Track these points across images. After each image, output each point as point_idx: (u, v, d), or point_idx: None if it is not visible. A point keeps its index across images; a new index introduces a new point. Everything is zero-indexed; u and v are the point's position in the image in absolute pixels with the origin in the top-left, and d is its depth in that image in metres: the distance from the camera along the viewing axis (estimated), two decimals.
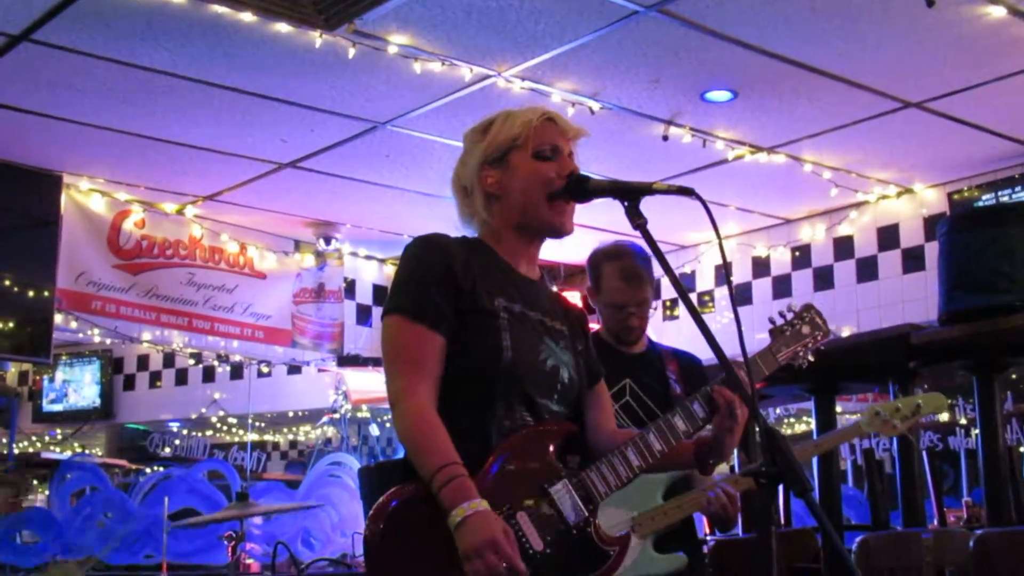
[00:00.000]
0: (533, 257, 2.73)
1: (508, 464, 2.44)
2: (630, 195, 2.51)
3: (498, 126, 2.70)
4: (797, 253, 7.41)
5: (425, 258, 2.55)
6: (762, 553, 3.72)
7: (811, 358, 2.85)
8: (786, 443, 2.55)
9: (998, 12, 4.68)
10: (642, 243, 2.58)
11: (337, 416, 9.39)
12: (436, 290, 2.49)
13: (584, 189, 2.63)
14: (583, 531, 2.46)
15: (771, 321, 2.88)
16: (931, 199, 6.81)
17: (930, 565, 4.81)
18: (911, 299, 6.29)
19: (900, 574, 4.90)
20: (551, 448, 2.48)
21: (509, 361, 2.46)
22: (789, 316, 2.85)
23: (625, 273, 3.80)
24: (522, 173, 2.64)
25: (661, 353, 3.82)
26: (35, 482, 10.30)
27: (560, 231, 2.65)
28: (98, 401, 10.45)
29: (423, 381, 2.43)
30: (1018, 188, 6.32)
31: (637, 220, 2.50)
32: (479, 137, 2.72)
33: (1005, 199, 6.30)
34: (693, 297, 4.67)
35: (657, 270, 3.57)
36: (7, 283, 6.53)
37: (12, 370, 9.90)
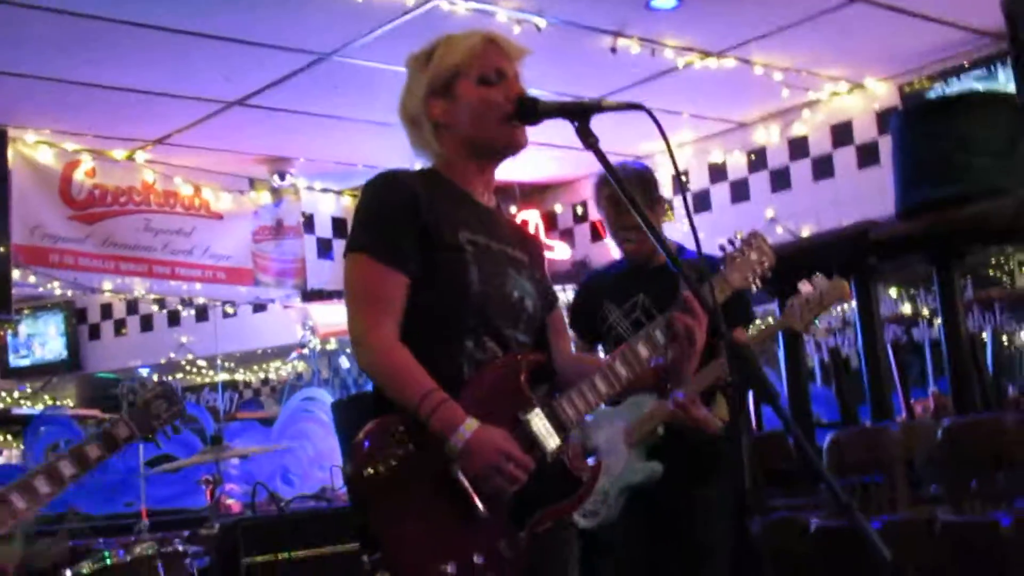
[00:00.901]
0: (489, 183, 2.73)
1: (481, 396, 2.47)
2: (580, 115, 2.50)
3: (440, 53, 2.68)
4: (753, 156, 7.43)
5: (387, 196, 2.55)
6: (737, 460, 3.81)
7: (759, 283, 2.88)
8: (751, 353, 2.60)
9: None
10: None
11: (306, 351, 9.42)
12: (399, 229, 2.49)
13: (533, 111, 2.62)
14: (556, 458, 2.49)
15: (721, 248, 2.90)
16: (882, 93, 6.82)
17: (900, 457, 4.91)
18: (868, 195, 6.32)
19: (871, 468, 5.01)
20: (522, 378, 2.51)
21: (477, 295, 2.48)
22: (738, 244, 2.88)
23: (612, 200, 3.86)
24: (469, 101, 2.63)
25: (687, 258, 3.86)
26: (9, 437, 10.34)
27: (515, 149, 2.64)
28: (65, 353, 10.42)
29: (387, 319, 2.45)
30: (967, 75, 6.33)
31: (588, 140, 2.49)
32: (422, 66, 2.70)
33: (956, 88, 6.32)
34: None
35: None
36: None
37: None
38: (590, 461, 2.60)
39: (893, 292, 6.90)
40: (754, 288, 2.90)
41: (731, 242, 2.88)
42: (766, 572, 4.49)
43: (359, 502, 2.40)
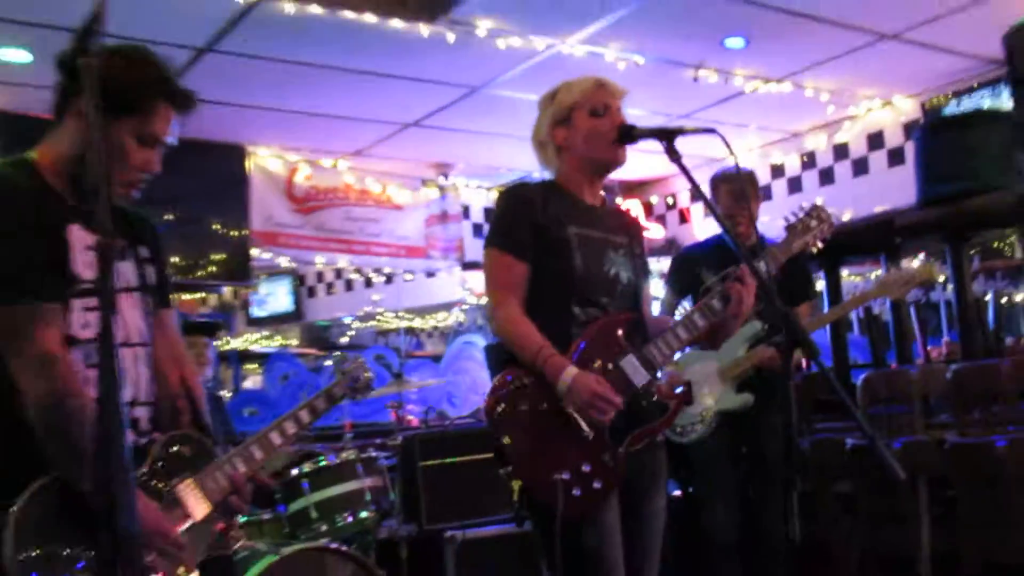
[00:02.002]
0: (596, 189, 2.77)
1: (588, 345, 2.52)
2: (667, 137, 2.52)
3: (561, 94, 2.74)
4: (805, 158, 7.26)
5: (512, 205, 2.64)
6: (788, 398, 3.76)
7: (820, 244, 2.85)
8: (797, 317, 2.59)
9: None
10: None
11: (465, 306, 9.56)
12: (520, 229, 2.57)
13: (631, 136, 2.66)
14: (647, 390, 2.52)
15: (785, 219, 2.88)
16: (907, 108, 6.61)
17: (917, 393, 4.81)
18: (896, 189, 6.15)
19: (895, 400, 4.92)
20: (619, 332, 2.55)
21: (581, 274, 2.53)
22: (800, 214, 2.84)
23: (734, 192, 3.87)
24: (583, 129, 2.67)
25: (765, 246, 3.88)
26: (253, 367, 10.70)
27: (617, 165, 2.69)
28: (291, 307, 10.68)
29: (511, 296, 2.54)
30: (976, 94, 6.12)
31: (673, 156, 2.51)
32: (548, 103, 2.76)
33: (966, 105, 6.12)
34: None
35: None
36: (216, 227, 6.74)
37: (227, 290, 10.19)
38: (678, 391, 2.63)
39: (916, 263, 6.71)
40: (814, 249, 2.84)
41: (795, 213, 2.86)
42: (811, 480, 4.45)
43: (494, 430, 2.47)
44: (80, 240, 1.91)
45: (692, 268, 4.00)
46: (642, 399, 2.51)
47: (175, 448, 2.02)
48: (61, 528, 1.72)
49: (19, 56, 4.90)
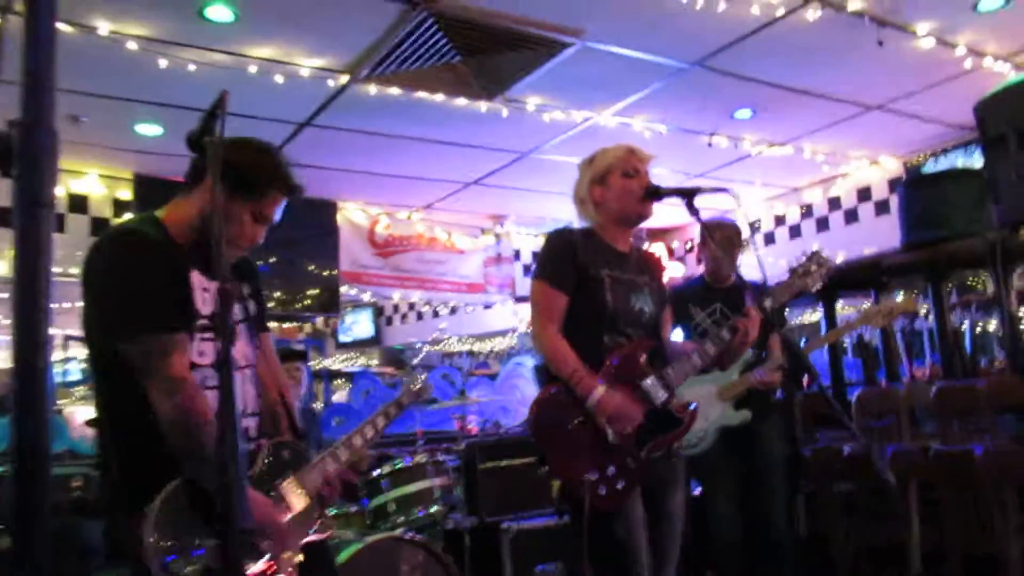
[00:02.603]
0: (626, 238, 2.76)
1: (615, 368, 2.52)
2: (688, 195, 2.52)
3: (599, 159, 2.75)
4: (803, 209, 7.17)
5: (556, 245, 2.65)
6: (790, 412, 3.70)
7: (819, 286, 2.79)
8: (799, 347, 2.55)
9: (928, 43, 4.44)
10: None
11: (516, 333, 9.55)
12: (563, 265, 2.58)
13: (657, 194, 2.66)
14: (665, 406, 2.51)
15: (789, 264, 2.84)
16: (892, 167, 6.51)
17: (905, 407, 4.69)
18: (882, 235, 6.05)
19: (885, 413, 4.79)
20: (642, 357, 2.54)
21: (611, 309, 2.53)
22: (803, 259, 2.81)
23: (723, 240, 3.83)
24: (617, 188, 2.68)
25: (743, 285, 3.83)
26: (340, 382, 10.78)
27: (645, 219, 2.69)
28: (372, 333, 10.75)
29: (553, 323, 2.54)
30: (952, 154, 6.02)
31: (693, 211, 2.52)
32: (587, 167, 2.77)
33: (943, 163, 6.02)
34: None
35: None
36: (311, 268, 6.83)
37: (320, 320, 10.32)
38: (691, 408, 2.61)
39: (900, 297, 6.57)
40: (814, 289, 2.78)
41: (797, 259, 2.83)
42: (813, 482, 4.35)
43: (535, 437, 2.49)
44: (199, 283, 1.97)
45: (682, 304, 3.97)
46: (661, 414, 2.50)
47: (279, 452, 2.06)
48: (189, 521, 1.75)
49: (152, 130, 5.05)
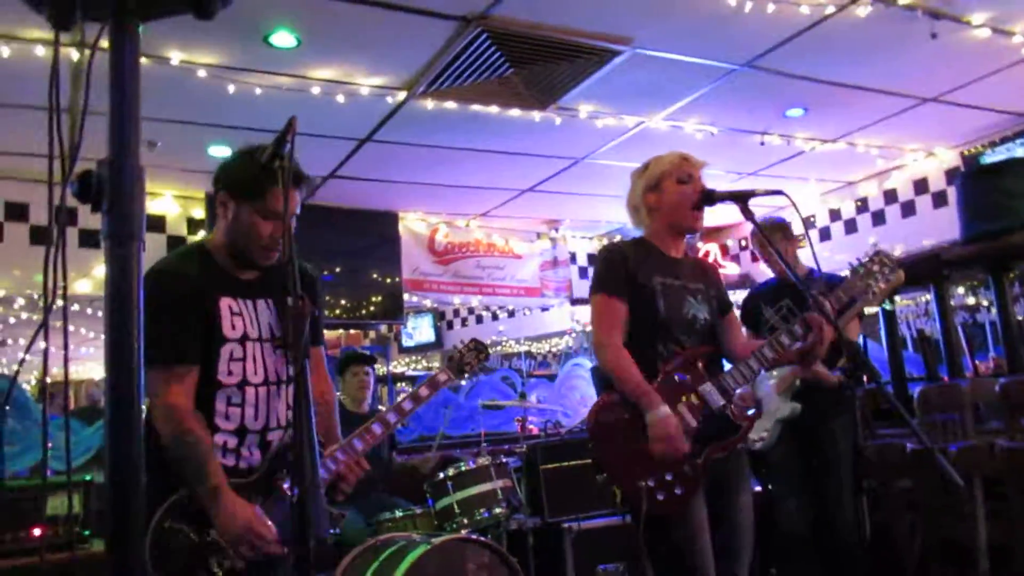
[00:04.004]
0: (679, 245, 2.74)
1: (673, 375, 2.50)
2: (741, 199, 2.49)
3: (653, 166, 2.73)
4: (859, 203, 6.97)
5: (610, 258, 2.64)
6: (852, 408, 3.62)
7: (882, 286, 2.64)
8: (860, 348, 2.50)
9: (983, 33, 4.30)
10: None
11: (574, 334, 9.53)
12: (617, 276, 2.58)
13: (711, 199, 2.63)
14: (722, 412, 2.48)
15: (850, 264, 2.74)
16: (949, 158, 6.29)
17: (969, 402, 4.55)
18: (940, 228, 5.87)
19: (949, 409, 4.66)
20: (699, 364, 2.52)
21: (664, 317, 2.51)
22: (864, 259, 2.69)
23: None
24: (671, 194, 2.66)
25: (814, 278, 3.80)
26: (403, 384, 10.86)
27: (695, 230, 2.67)
28: (433, 338, 10.82)
29: (615, 332, 2.54)
30: (1011, 144, 5.81)
31: (747, 214, 2.48)
32: (641, 174, 2.76)
33: (1001, 153, 5.82)
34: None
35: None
36: (375, 276, 6.93)
37: (384, 326, 10.44)
38: (750, 413, 2.57)
39: (961, 290, 6.37)
40: (876, 290, 2.62)
41: (859, 259, 2.71)
42: (876, 479, 4.26)
43: (592, 444, 2.49)
44: (228, 308, 2.10)
45: (755, 305, 3.98)
46: (719, 419, 2.48)
47: (284, 455, 2.10)
48: (186, 528, 1.93)
49: (224, 151, 5.18)
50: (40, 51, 3.76)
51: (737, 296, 5.21)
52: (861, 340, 4.75)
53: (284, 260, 1.67)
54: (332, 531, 2.14)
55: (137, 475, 1.09)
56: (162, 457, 1.94)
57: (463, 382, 7.85)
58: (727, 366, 2.59)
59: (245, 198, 2.08)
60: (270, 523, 1.96)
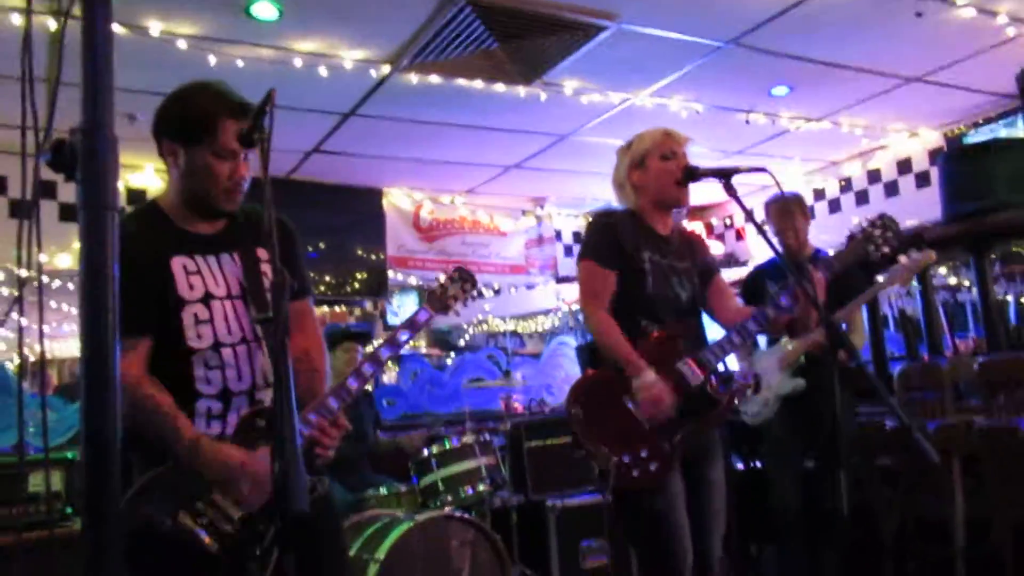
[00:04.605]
0: (666, 221, 2.75)
1: (653, 350, 2.52)
2: (725, 175, 2.50)
3: (636, 143, 2.73)
4: (842, 183, 6.99)
5: (601, 226, 2.64)
6: (830, 384, 3.63)
7: (886, 250, 2.56)
8: (838, 326, 2.50)
9: (968, 12, 4.30)
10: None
11: (559, 312, 9.53)
12: (606, 245, 2.58)
13: (695, 175, 2.63)
14: (701, 388, 2.50)
15: (849, 231, 2.68)
16: (932, 138, 6.31)
17: (948, 381, 4.60)
18: (923, 208, 5.88)
19: (928, 388, 4.71)
20: (678, 340, 2.54)
21: (650, 294, 2.52)
22: (864, 225, 2.60)
23: (781, 211, 3.84)
24: (655, 171, 2.67)
25: (819, 257, 3.84)
26: (391, 365, 10.83)
27: (682, 204, 2.67)
28: None
29: (603, 301, 2.55)
30: (995, 124, 5.84)
31: (730, 191, 2.48)
32: (625, 152, 2.76)
33: (984, 134, 5.84)
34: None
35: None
36: (359, 253, 6.89)
37: (368, 304, 10.40)
38: (724, 389, 2.59)
39: (943, 270, 6.41)
40: (880, 254, 2.55)
41: (860, 225, 2.65)
42: (858, 454, 4.31)
43: (570, 419, 2.52)
44: (181, 268, 1.96)
45: (759, 280, 3.99)
46: (696, 396, 2.50)
47: (256, 421, 1.94)
48: (166, 494, 1.83)
49: None
50: (16, 19, 3.69)
51: (727, 276, 5.25)
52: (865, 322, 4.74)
53: (268, 223, 1.59)
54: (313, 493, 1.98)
55: (112, 450, 1.09)
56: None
57: (449, 362, 7.84)
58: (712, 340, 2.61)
59: (194, 141, 1.95)
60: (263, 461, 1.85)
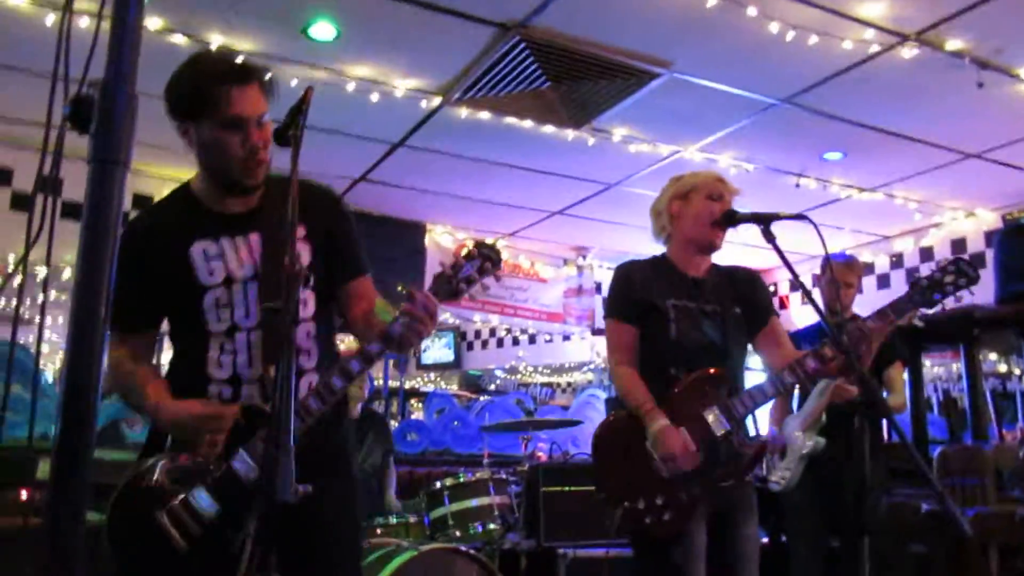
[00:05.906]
0: (699, 263, 2.70)
1: (681, 399, 2.46)
2: (764, 221, 2.45)
3: (688, 177, 2.73)
4: (893, 259, 6.85)
5: (618, 281, 2.64)
6: (861, 457, 3.49)
7: (951, 294, 2.35)
8: (876, 386, 2.39)
9: None
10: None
11: (593, 366, 9.43)
12: (625, 301, 2.57)
13: (733, 219, 2.59)
14: (726, 439, 2.42)
15: (916, 278, 2.50)
16: (989, 219, 6.17)
17: (991, 468, 4.41)
18: (977, 291, 5.72)
19: (969, 473, 4.51)
20: (705, 388, 2.48)
21: (675, 341, 2.48)
22: (933, 271, 2.38)
23: (844, 267, 3.78)
24: (696, 206, 2.64)
25: (858, 319, 3.75)
26: (415, 402, 10.80)
27: (714, 248, 2.62)
28: (452, 357, 10.72)
29: (625, 354, 2.52)
30: None
31: (769, 237, 2.43)
32: (674, 182, 2.76)
33: None
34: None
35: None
36: (400, 289, 6.92)
37: None
38: (752, 442, 2.50)
39: (993, 356, 6.21)
40: (945, 298, 2.36)
41: (931, 269, 2.48)
42: (888, 537, 4.11)
43: (594, 461, 2.47)
44: (200, 253, 1.92)
45: (795, 343, 3.89)
46: (721, 446, 2.41)
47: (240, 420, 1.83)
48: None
49: None
50: (28, 11, 3.74)
51: None
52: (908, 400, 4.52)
53: (291, 215, 1.58)
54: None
55: (92, 398, 1.06)
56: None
57: (480, 402, 7.77)
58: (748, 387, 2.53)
59: (200, 115, 1.83)
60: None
